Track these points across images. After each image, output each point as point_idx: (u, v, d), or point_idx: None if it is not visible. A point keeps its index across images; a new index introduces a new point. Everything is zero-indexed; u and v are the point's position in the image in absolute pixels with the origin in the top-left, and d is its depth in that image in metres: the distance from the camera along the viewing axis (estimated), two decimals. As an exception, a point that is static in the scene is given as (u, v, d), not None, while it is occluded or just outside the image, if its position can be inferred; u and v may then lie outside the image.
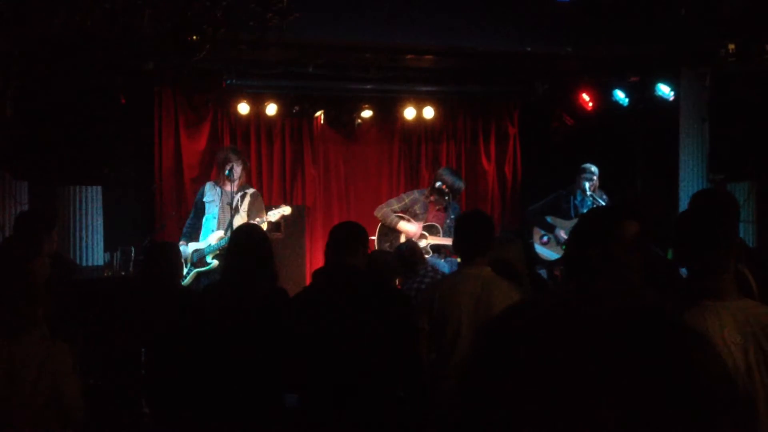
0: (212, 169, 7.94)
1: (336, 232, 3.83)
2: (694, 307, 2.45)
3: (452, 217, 7.26)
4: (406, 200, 7.46)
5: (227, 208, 6.89)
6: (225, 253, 4.15)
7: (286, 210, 6.95)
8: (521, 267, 4.30)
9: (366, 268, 3.89)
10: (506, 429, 0.76)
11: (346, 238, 3.77)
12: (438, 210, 7.38)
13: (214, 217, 7.02)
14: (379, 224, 7.38)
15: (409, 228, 7.27)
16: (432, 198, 7.35)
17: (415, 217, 7.33)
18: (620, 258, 2.54)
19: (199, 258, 6.87)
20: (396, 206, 7.42)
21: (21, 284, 3.16)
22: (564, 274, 7.45)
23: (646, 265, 2.68)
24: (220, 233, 6.87)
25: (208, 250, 6.86)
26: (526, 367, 0.77)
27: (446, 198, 7.25)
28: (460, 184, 7.38)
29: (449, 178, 7.24)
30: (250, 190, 7.12)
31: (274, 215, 6.88)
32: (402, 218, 7.33)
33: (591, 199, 7.52)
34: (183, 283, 6.22)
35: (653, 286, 2.82)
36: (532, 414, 0.75)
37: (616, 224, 2.58)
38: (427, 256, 6.65)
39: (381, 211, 7.38)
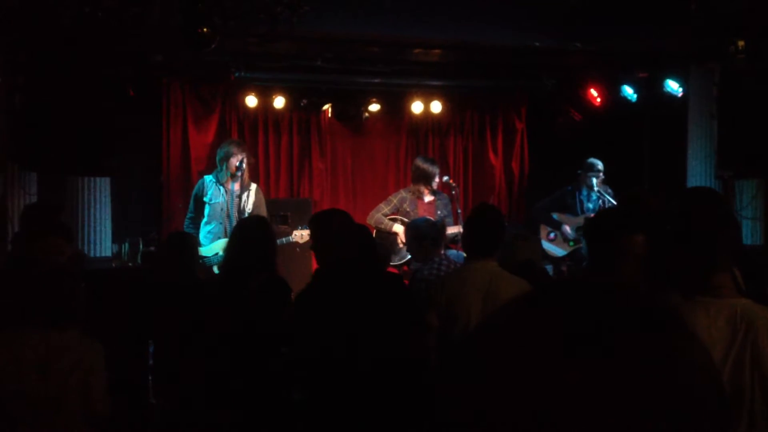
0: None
1: (337, 225, 3.83)
2: (687, 303, 2.48)
3: (440, 210, 7.32)
4: (395, 201, 7.42)
5: (234, 212, 6.49)
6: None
7: None
8: (539, 264, 4.31)
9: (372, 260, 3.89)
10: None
11: (349, 232, 3.78)
12: (429, 203, 7.39)
13: (220, 223, 6.57)
14: (374, 231, 7.18)
15: None
16: (419, 188, 7.36)
17: (406, 215, 7.27)
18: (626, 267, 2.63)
19: (204, 268, 6.22)
20: (386, 209, 7.37)
21: (59, 277, 3.25)
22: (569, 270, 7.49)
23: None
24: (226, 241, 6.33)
25: (215, 260, 6.34)
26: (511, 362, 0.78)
27: (430, 184, 7.34)
28: (435, 168, 7.43)
29: (424, 164, 7.40)
30: (253, 187, 6.75)
31: (303, 237, 6.63)
32: (395, 221, 7.31)
33: (597, 194, 7.52)
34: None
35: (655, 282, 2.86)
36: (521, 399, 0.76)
37: (626, 238, 2.68)
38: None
39: (373, 218, 7.27)
